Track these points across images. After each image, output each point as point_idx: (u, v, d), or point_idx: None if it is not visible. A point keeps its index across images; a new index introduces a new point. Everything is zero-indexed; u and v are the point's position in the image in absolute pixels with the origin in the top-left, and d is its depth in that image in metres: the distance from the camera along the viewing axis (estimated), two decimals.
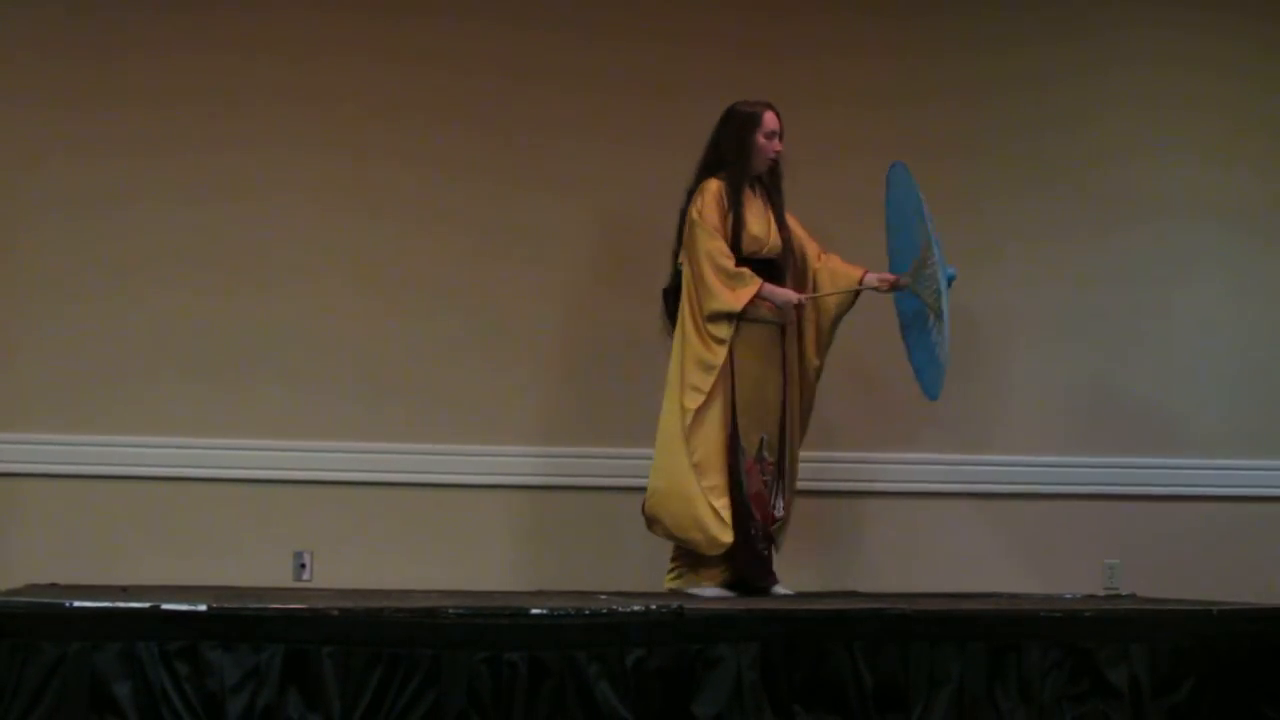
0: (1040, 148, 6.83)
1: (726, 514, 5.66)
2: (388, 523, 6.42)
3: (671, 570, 5.79)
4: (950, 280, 5.72)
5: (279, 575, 6.32)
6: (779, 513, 5.83)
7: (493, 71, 6.57)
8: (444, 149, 6.53)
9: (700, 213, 5.76)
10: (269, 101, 6.48)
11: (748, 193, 5.87)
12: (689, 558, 5.74)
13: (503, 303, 6.54)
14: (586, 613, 4.73)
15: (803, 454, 6.28)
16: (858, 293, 5.96)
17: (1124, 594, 6.43)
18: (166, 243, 6.42)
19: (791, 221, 5.98)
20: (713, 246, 5.73)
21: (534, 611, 4.68)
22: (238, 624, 4.52)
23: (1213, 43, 6.92)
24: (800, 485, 6.43)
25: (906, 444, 6.67)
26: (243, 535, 6.36)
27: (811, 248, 5.99)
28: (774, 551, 5.82)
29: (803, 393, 5.95)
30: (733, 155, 5.84)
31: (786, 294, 5.82)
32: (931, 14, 6.81)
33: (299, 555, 6.38)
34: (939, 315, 5.75)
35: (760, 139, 5.84)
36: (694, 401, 5.69)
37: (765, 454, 5.78)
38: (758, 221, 5.84)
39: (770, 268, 5.84)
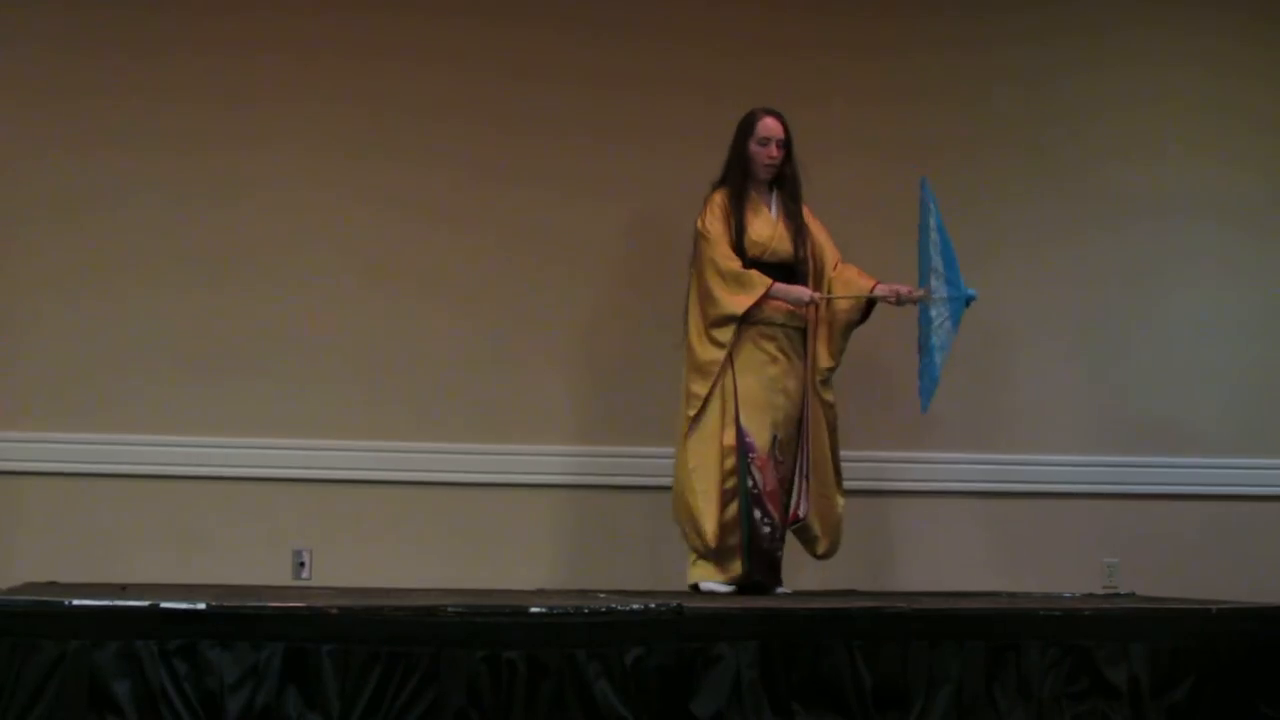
0: (1041, 146, 6.84)
1: (712, 519, 5.73)
2: (387, 521, 6.42)
3: (690, 562, 5.85)
4: (968, 301, 5.73)
5: (278, 574, 6.32)
6: (801, 512, 5.85)
7: (511, 71, 6.58)
8: (455, 147, 6.55)
9: (704, 224, 5.86)
10: (274, 99, 6.49)
11: (755, 199, 5.90)
12: (702, 553, 5.78)
13: (509, 301, 6.55)
14: (586, 611, 4.72)
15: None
16: (871, 304, 5.94)
17: (1123, 593, 6.43)
18: (167, 241, 6.43)
19: (814, 227, 5.98)
20: (716, 254, 5.80)
21: (533, 610, 4.68)
22: (237, 622, 4.52)
23: (1213, 42, 6.92)
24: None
25: (906, 443, 6.67)
26: (242, 534, 6.36)
27: (830, 255, 5.99)
28: (781, 551, 5.83)
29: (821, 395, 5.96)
30: (734, 162, 5.90)
31: (800, 291, 5.83)
32: (932, 13, 6.82)
33: (298, 553, 6.38)
34: (934, 339, 5.79)
35: (753, 146, 5.87)
36: (693, 408, 5.80)
37: (778, 453, 5.78)
38: (761, 227, 5.86)
39: (785, 273, 5.86)
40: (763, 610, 4.90)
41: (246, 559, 6.29)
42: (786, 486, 5.83)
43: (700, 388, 5.78)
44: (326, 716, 4.48)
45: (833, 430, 5.95)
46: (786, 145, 5.90)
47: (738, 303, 5.76)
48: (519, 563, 6.40)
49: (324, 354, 6.46)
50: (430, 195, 6.54)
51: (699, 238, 5.85)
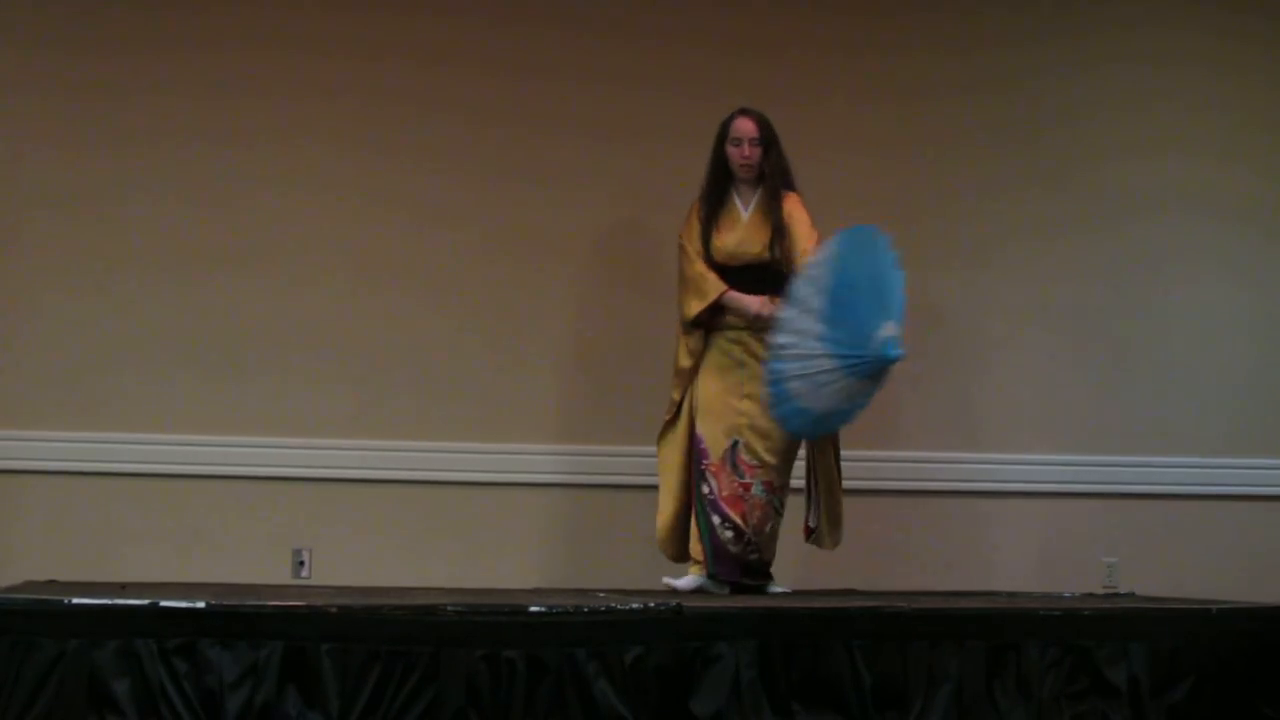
0: (1039, 145, 6.83)
1: (664, 516, 5.82)
2: (387, 520, 6.42)
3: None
4: (892, 360, 5.46)
5: (278, 572, 6.32)
6: (811, 522, 5.87)
7: (503, 68, 6.57)
8: (451, 145, 6.54)
9: (681, 232, 5.87)
10: (274, 97, 6.49)
11: (733, 201, 5.84)
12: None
13: (507, 300, 6.55)
14: (585, 610, 4.72)
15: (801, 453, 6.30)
16: None
17: (1123, 592, 6.43)
18: (167, 239, 6.43)
19: (793, 220, 5.81)
20: (683, 260, 5.83)
21: (533, 609, 4.68)
22: (236, 621, 4.52)
23: (1212, 41, 6.92)
24: (797, 483, 6.43)
25: (905, 442, 6.67)
26: (241, 532, 6.36)
27: (801, 249, 5.77)
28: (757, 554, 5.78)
29: None
30: (712, 166, 5.86)
31: (749, 302, 5.73)
32: (930, 11, 6.81)
33: (298, 552, 6.38)
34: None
35: (728, 147, 5.82)
36: (669, 413, 5.85)
37: (744, 456, 5.73)
38: (728, 231, 5.80)
39: (756, 274, 5.77)
40: (762, 610, 4.90)
41: (246, 558, 6.29)
42: (776, 490, 5.78)
43: (675, 393, 5.82)
44: (326, 715, 4.48)
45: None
46: (764, 142, 5.79)
47: (691, 308, 5.76)
48: (518, 562, 6.40)
49: (324, 353, 6.45)
50: (431, 195, 6.53)
51: (678, 248, 5.87)
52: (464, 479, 6.46)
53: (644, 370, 6.25)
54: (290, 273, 6.46)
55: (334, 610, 4.58)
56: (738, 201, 5.85)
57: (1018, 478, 6.71)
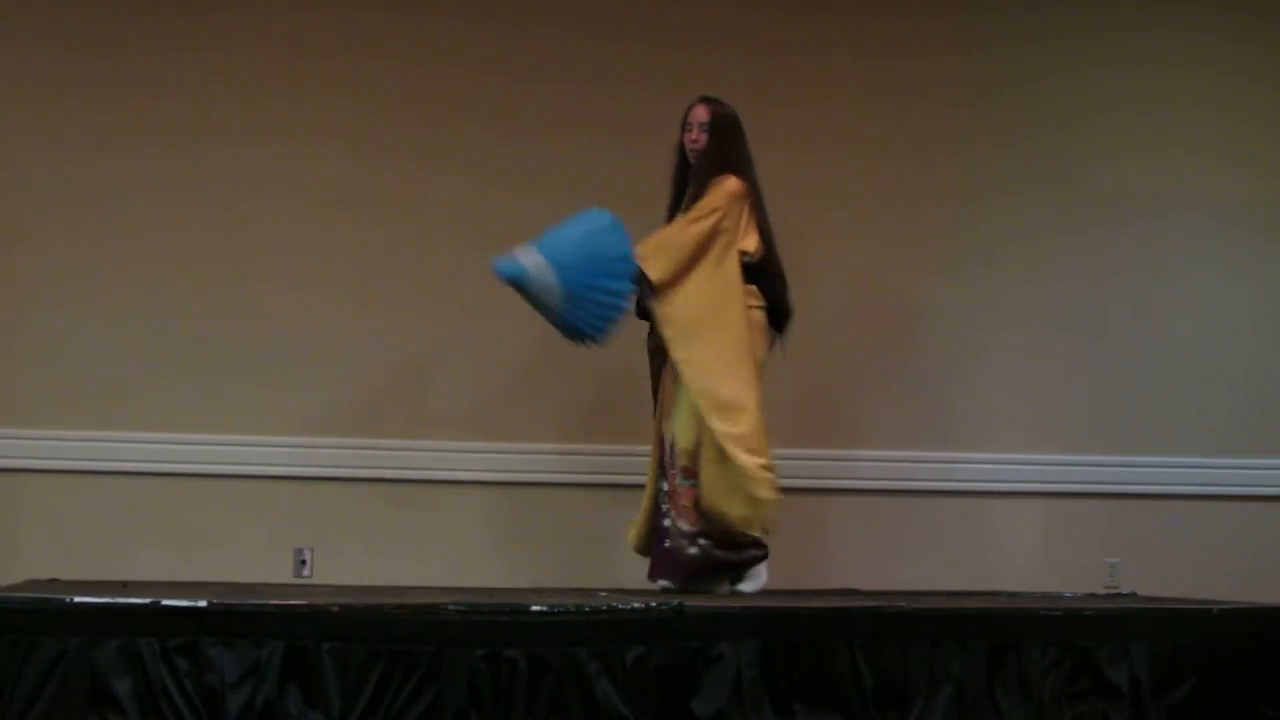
0: (1039, 145, 6.83)
1: (640, 513, 5.77)
2: (388, 519, 6.43)
3: None
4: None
5: (279, 571, 6.32)
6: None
7: (504, 70, 6.57)
8: (453, 146, 6.54)
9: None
10: (275, 98, 6.49)
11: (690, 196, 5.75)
12: None
13: (511, 300, 6.53)
14: (586, 610, 4.72)
15: (801, 451, 6.32)
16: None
17: (1124, 593, 6.43)
18: (168, 239, 6.43)
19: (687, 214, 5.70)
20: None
21: (534, 608, 4.68)
22: (238, 620, 4.52)
23: (1212, 41, 6.92)
24: (800, 483, 6.45)
25: (906, 442, 6.67)
26: (243, 531, 6.36)
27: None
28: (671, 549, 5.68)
29: None
30: (676, 152, 5.79)
31: None
32: (930, 11, 6.82)
33: (299, 551, 6.38)
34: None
35: (683, 135, 5.75)
36: None
37: (673, 449, 5.69)
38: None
39: None
40: (764, 609, 4.90)
41: (248, 557, 6.30)
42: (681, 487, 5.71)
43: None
44: (327, 715, 4.48)
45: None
46: (712, 128, 5.67)
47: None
48: (520, 561, 6.40)
49: (326, 352, 6.46)
50: (432, 196, 6.54)
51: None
52: (466, 478, 6.46)
53: (645, 370, 6.24)
54: (292, 272, 6.47)
55: (335, 609, 4.58)
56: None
57: (1019, 478, 6.71)
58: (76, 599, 4.58)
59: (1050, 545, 6.69)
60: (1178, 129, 6.88)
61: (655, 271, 5.56)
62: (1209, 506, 6.76)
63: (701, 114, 5.72)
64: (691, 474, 5.56)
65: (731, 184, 5.63)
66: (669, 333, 5.59)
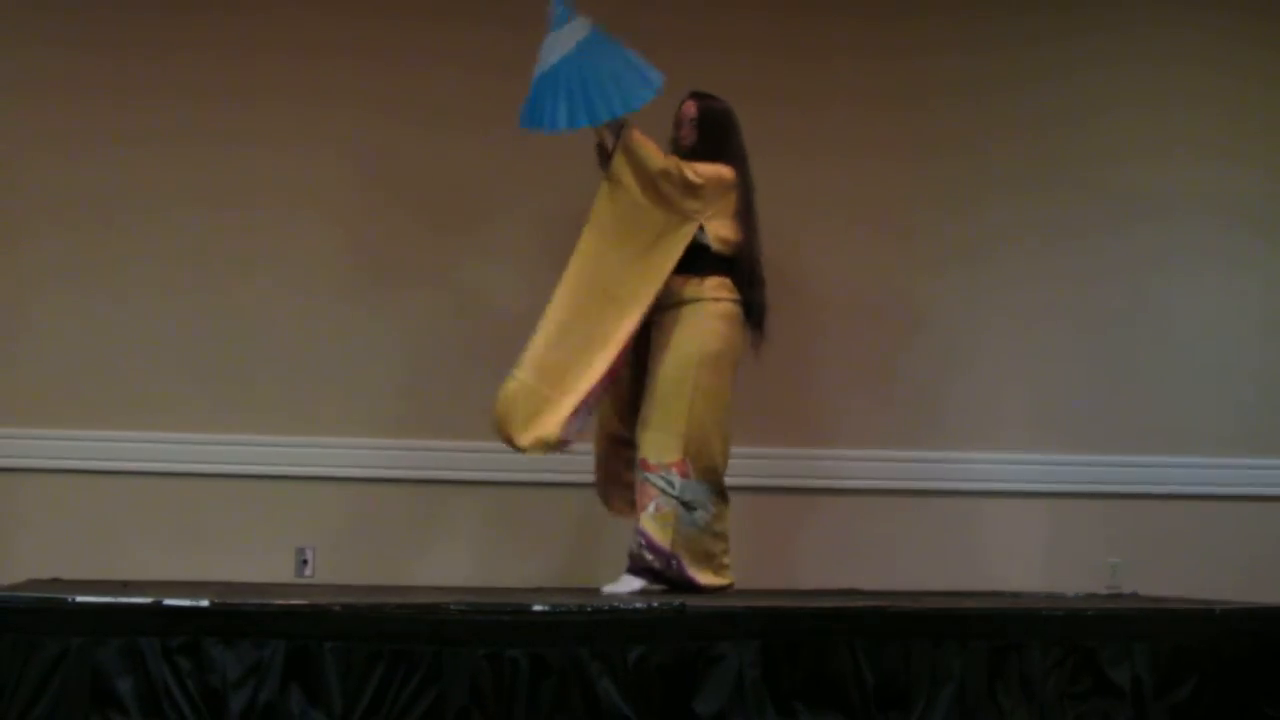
0: (1042, 145, 6.83)
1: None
2: (390, 519, 6.42)
3: None
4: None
5: (281, 571, 6.32)
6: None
7: (505, 71, 6.55)
8: (455, 147, 6.53)
9: None
10: (276, 98, 6.49)
11: None
12: None
13: (513, 300, 6.55)
14: (588, 610, 4.73)
15: (802, 451, 6.34)
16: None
17: (1126, 593, 6.43)
18: (169, 238, 6.43)
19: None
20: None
21: (536, 608, 4.68)
22: (240, 619, 4.53)
23: (1215, 40, 6.92)
24: (801, 483, 6.47)
25: (907, 442, 6.67)
26: (245, 531, 6.36)
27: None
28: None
29: None
30: (670, 148, 5.76)
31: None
32: (933, 12, 6.81)
33: (301, 551, 6.38)
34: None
35: (674, 131, 5.76)
36: None
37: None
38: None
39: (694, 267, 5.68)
40: (765, 609, 4.90)
41: (249, 556, 6.29)
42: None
43: None
44: (329, 714, 4.48)
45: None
46: (699, 125, 5.69)
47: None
48: (521, 560, 6.40)
49: (327, 351, 6.46)
50: (433, 195, 6.54)
51: None
52: (467, 478, 6.45)
53: None
54: (294, 272, 6.47)
55: (337, 609, 4.58)
56: None
57: (1021, 478, 6.70)
58: (78, 598, 4.58)
59: (1052, 545, 6.68)
60: (1180, 129, 6.87)
61: (632, 138, 5.56)
62: (1212, 506, 6.76)
63: (690, 110, 5.72)
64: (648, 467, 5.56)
65: (724, 170, 5.61)
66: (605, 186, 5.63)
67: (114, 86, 6.44)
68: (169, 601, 4.56)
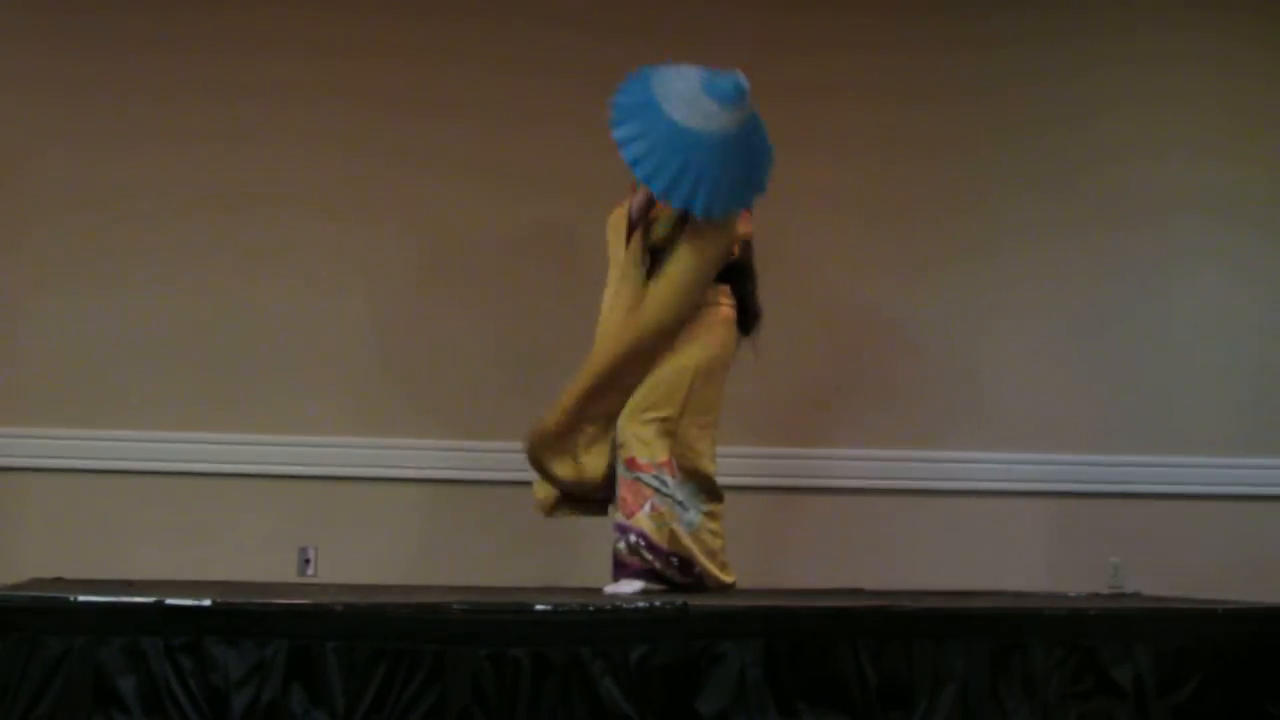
0: (1041, 145, 6.84)
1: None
2: (393, 518, 6.43)
3: None
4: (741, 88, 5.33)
5: (283, 570, 6.33)
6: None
7: (506, 69, 6.59)
8: (457, 146, 6.56)
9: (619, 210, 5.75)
10: (278, 96, 6.50)
11: None
12: None
13: (515, 299, 6.55)
14: (590, 609, 4.73)
15: (804, 451, 6.34)
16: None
17: (1128, 592, 6.43)
18: (172, 238, 6.44)
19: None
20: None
21: (538, 608, 4.68)
22: (242, 619, 4.52)
23: (1214, 40, 6.92)
24: (803, 483, 6.48)
25: (910, 441, 6.67)
26: (247, 530, 6.37)
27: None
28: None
29: None
30: None
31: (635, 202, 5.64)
32: (932, 11, 6.82)
33: (303, 550, 6.39)
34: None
35: None
36: None
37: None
38: (658, 221, 5.66)
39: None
40: (768, 609, 4.90)
41: (252, 556, 6.30)
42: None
43: None
44: (331, 714, 4.48)
45: None
46: None
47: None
48: (524, 560, 6.40)
49: (330, 350, 6.47)
50: (435, 196, 6.54)
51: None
52: (469, 477, 6.47)
53: None
54: (297, 271, 6.48)
55: (340, 608, 4.58)
56: None
57: (1023, 477, 6.71)
58: (81, 598, 4.58)
59: (1054, 545, 6.68)
60: (1180, 129, 6.88)
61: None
62: (1214, 506, 6.76)
63: None
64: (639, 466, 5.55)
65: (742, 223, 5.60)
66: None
67: (117, 86, 6.45)
68: (171, 601, 4.56)
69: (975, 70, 6.81)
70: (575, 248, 6.53)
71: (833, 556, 6.50)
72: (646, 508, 5.49)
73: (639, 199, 5.59)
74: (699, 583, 5.51)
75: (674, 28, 6.64)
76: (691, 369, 5.53)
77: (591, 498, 5.65)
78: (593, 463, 5.56)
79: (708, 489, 5.59)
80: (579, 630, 4.64)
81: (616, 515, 5.54)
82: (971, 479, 6.69)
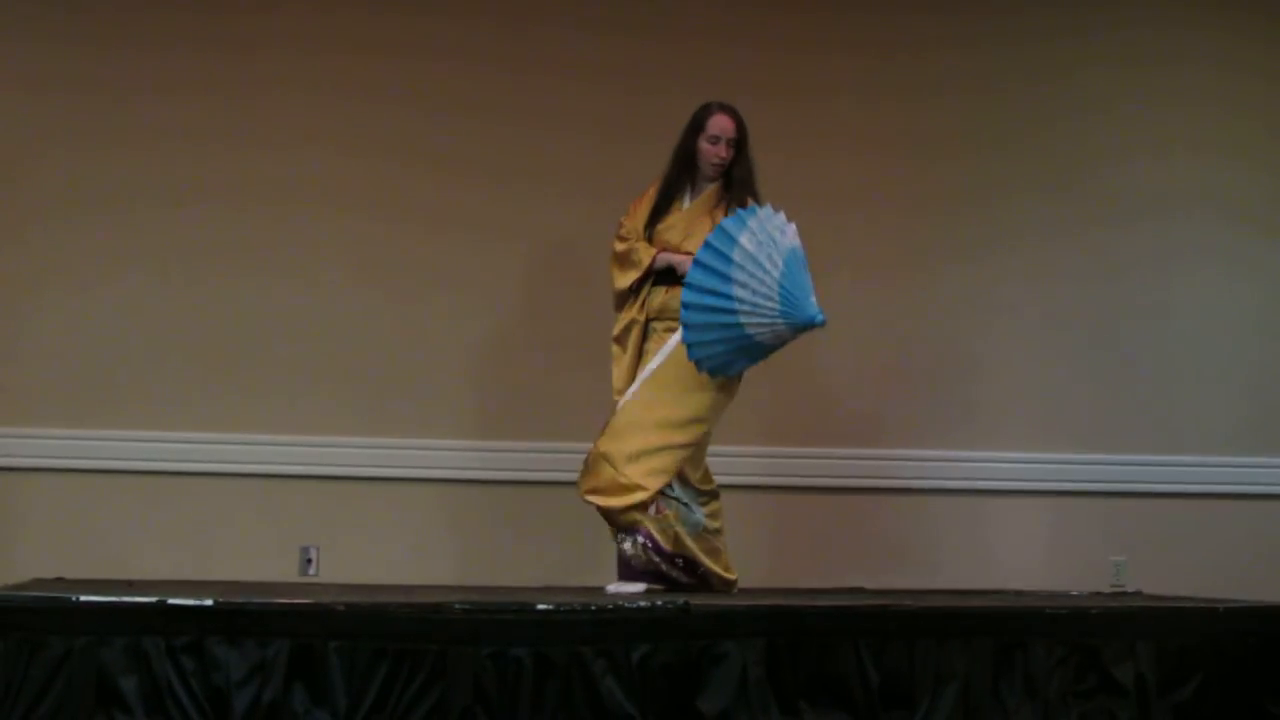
0: (1043, 144, 6.84)
1: None
2: (394, 518, 6.43)
3: None
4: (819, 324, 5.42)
5: (285, 570, 6.33)
6: None
7: (506, 66, 6.58)
8: (458, 145, 6.56)
9: (625, 217, 5.71)
10: (279, 96, 6.50)
11: (697, 200, 5.66)
12: None
13: (516, 299, 6.56)
14: (592, 609, 4.73)
15: (806, 450, 6.34)
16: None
17: (1130, 591, 6.43)
18: (173, 237, 6.44)
19: None
20: (615, 238, 5.68)
21: (540, 607, 4.68)
22: (244, 619, 4.52)
23: (1216, 39, 6.93)
24: (805, 482, 6.47)
25: (911, 441, 6.67)
26: (249, 530, 6.37)
27: None
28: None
29: None
30: (679, 155, 5.67)
31: (684, 259, 5.53)
32: (932, 11, 6.82)
33: (305, 550, 6.39)
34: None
35: (702, 143, 5.62)
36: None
37: None
38: (678, 229, 5.62)
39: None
40: (769, 608, 4.90)
41: (254, 555, 6.30)
42: None
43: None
44: (333, 713, 4.48)
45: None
46: (738, 145, 5.61)
47: (624, 278, 5.63)
48: (525, 560, 6.40)
49: (332, 351, 6.46)
50: (435, 195, 6.54)
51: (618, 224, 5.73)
52: (471, 477, 6.46)
53: None
54: (297, 271, 6.47)
55: (341, 608, 4.58)
56: (688, 193, 5.69)
57: (1025, 476, 6.71)
58: (82, 598, 4.58)
59: (1056, 544, 6.68)
60: (1181, 128, 6.88)
61: None
62: (1216, 505, 6.76)
63: (729, 127, 5.61)
64: None
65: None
66: None
67: (117, 85, 6.44)
68: (173, 601, 4.56)
69: (975, 70, 6.81)
70: (577, 247, 6.53)
71: (833, 556, 6.50)
72: (651, 510, 5.49)
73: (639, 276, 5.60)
74: (703, 583, 5.52)
75: (675, 28, 6.64)
76: (698, 375, 5.53)
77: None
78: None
79: (706, 489, 5.59)
80: (581, 630, 4.64)
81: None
82: (971, 479, 6.69)
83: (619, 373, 5.66)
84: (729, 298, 5.35)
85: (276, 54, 6.51)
